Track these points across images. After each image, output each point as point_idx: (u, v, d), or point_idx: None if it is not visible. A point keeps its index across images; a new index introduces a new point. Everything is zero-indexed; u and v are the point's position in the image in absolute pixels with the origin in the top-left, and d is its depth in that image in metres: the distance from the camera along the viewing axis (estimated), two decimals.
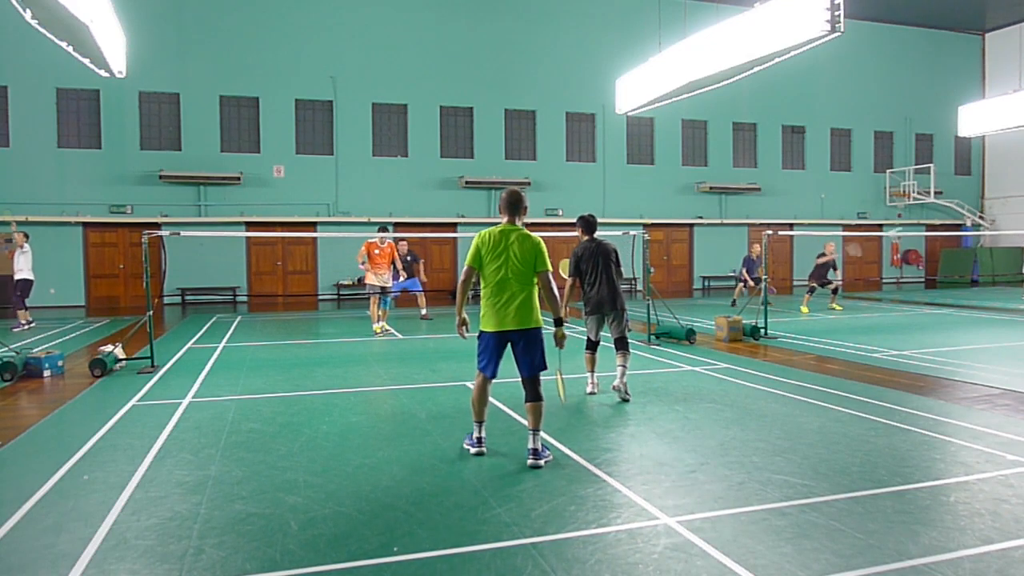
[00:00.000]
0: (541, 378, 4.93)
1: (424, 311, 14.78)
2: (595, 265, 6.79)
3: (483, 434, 5.08)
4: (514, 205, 5.00)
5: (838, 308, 15.98)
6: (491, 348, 4.89)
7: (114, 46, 9.42)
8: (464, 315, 4.96)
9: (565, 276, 7.02)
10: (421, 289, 14.56)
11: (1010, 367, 8.33)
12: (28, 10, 7.47)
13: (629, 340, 7.04)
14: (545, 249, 4.92)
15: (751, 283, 16.11)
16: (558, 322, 4.93)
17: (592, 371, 7.06)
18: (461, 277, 4.96)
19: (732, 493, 4.20)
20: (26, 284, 13.42)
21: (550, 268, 4.93)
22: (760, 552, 3.39)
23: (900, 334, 11.54)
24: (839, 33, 7.93)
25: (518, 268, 4.81)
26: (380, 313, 12.43)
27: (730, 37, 9.34)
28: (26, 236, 13.78)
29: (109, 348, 8.79)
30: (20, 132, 18.52)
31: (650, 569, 3.23)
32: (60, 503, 4.15)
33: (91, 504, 4.13)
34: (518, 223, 5.01)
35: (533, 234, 4.95)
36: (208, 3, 19.79)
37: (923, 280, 26.88)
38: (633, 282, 22.86)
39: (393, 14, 21.11)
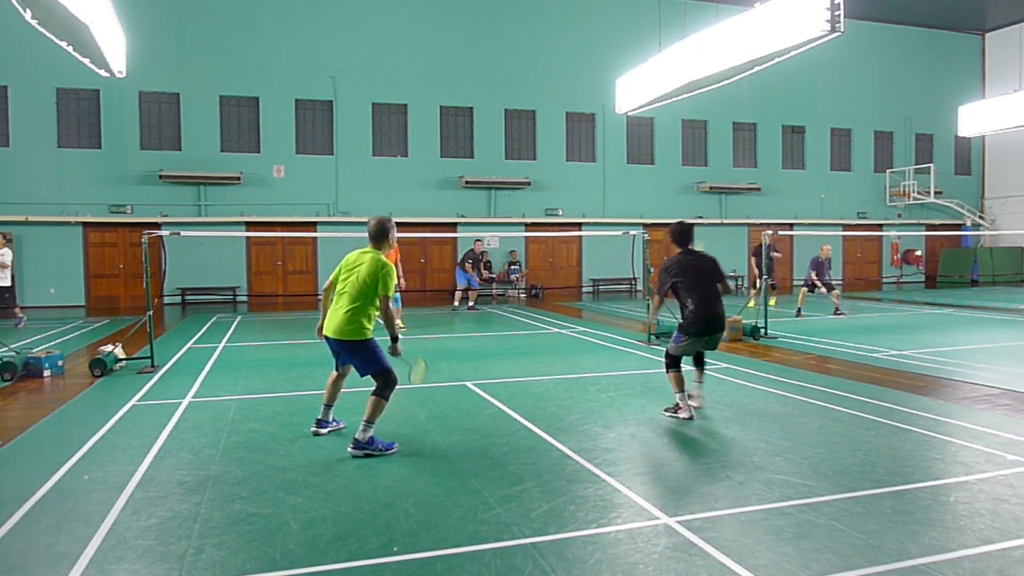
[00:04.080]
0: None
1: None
2: (697, 282, 6.01)
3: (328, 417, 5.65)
4: (379, 235, 5.38)
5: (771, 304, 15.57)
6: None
7: (114, 46, 9.42)
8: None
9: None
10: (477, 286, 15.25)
11: (1010, 367, 8.32)
12: (28, 10, 7.47)
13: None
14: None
15: (821, 287, 14.44)
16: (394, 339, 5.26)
17: (682, 390, 6.08)
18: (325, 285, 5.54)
19: (732, 493, 4.20)
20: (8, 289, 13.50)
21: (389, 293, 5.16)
22: (760, 552, 3.39)
23: (900, 334, 11.54)
24: (839, 33, 7.92)
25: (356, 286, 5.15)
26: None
27: (730, 37, 9.33)
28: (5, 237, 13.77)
29: (109, 348, 8.79)
30: (20, 132, 18.51)
31: (650, 569, 3.23)
32: (60, 503, 4.15)
33: (91, 504, 4.13)
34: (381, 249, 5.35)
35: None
36: (208, 3, 19.79)
37: (923, 280, 26.88)
38: (633, 282, 22.87)
39: (393, 14, 21.11)
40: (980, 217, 27.23)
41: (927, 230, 26.32)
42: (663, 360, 6.39)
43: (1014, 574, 3.16)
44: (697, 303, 5.98)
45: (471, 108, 21.89)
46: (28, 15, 7.57)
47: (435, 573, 3.23)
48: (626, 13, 22.63)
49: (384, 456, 5.02)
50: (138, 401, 6.95)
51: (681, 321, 6.15)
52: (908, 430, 5.55)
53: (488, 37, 21.92)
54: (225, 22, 19.88)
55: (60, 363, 8.63)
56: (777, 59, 9.16)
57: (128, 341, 9.75)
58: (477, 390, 7.28)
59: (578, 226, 22.56)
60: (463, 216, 21.43)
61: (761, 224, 23.16)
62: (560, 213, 22.47)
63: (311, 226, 20.35)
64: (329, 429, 5.65)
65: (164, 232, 14.42)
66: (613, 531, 3.68)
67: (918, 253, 14.78)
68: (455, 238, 20.63)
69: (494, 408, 6.46)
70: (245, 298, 20.01)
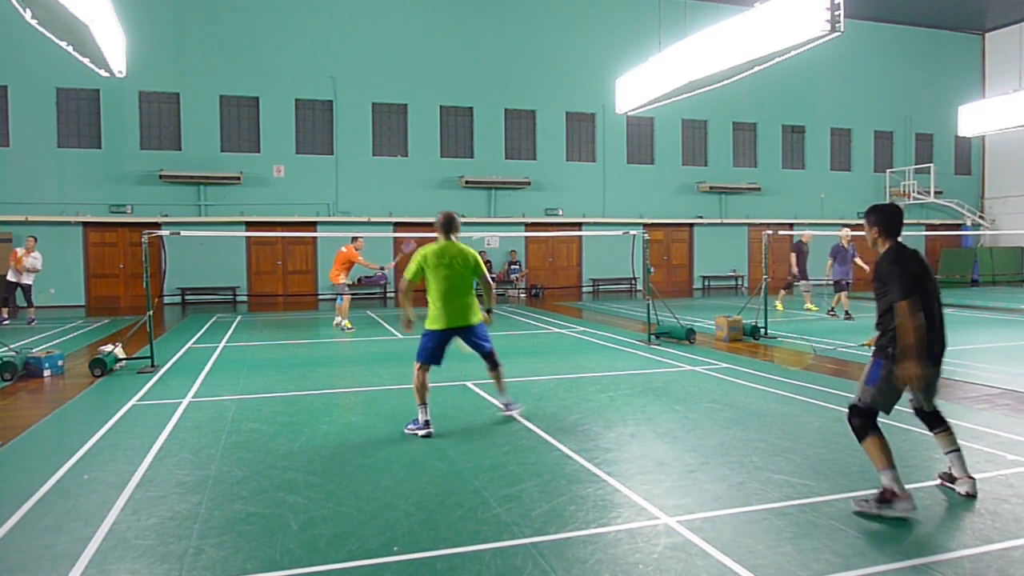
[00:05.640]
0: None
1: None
2: (927, 291, 4.17)
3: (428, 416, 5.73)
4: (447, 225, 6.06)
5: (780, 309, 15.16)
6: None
7: (114, 46, 9.42)
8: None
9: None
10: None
11: (1010, 367, 8.32)
12: (28, 10, 7.47)
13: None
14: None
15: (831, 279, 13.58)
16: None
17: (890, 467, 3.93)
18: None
19: (732, 493, 4.20)
20: (29, 287, 14.20)
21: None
22: (760, 552, 3.39)
23: None
24: (839, 33, 7.93)
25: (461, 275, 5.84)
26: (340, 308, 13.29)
27: (730, 37, 9.34)
28: (34, 239, 14.55)
29: (109, 348, 8.79)
30: (20, 132, 18.52)
31: (650, 569, 3.23)
32: (60, 503, 4.15)
33: (91, 504, 4.13)
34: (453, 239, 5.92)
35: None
36: (208, 3, 19.79)
37: None
38: (633, 282, 22.87)
39: (393, 14, 21.11)
40: (980, 217, 27.23)
41: (927, 230, 26.32)
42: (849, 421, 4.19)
43: (1014, 574, 3.15)
44: (929, 320, 4.21)
45: (471, 108, 21.89)
46: (28, 15, 7.57)
47: (435, 573, 3.23)
48: (626, 13, 22.63)
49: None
50: (138, 401, 6.95)
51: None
52: (908, 430, 5.55)
53: (488, 37, 21.92)
54: (225, 22, 19.89)
55: (60, 363, 8.63)
56: (777, 59, 9.17)
57: (128, 341, 9.75)
58: (477, 390, 7.28)
59: (578, 226, 22.56)
60: (463, 216, 21.34)
61: (761, 224, 23.16)
62: (560, 213, 22.47)
63: (311, 226, 20.35)
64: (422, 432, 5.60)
65: (164, 232, 14.43)
66: (613, 531, 3.68)
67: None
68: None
69: (494, 408, 6.46)
70: (245, 298, 20.01)
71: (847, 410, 4.16)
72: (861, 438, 4.06)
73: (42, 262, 14.15)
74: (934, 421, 4.35)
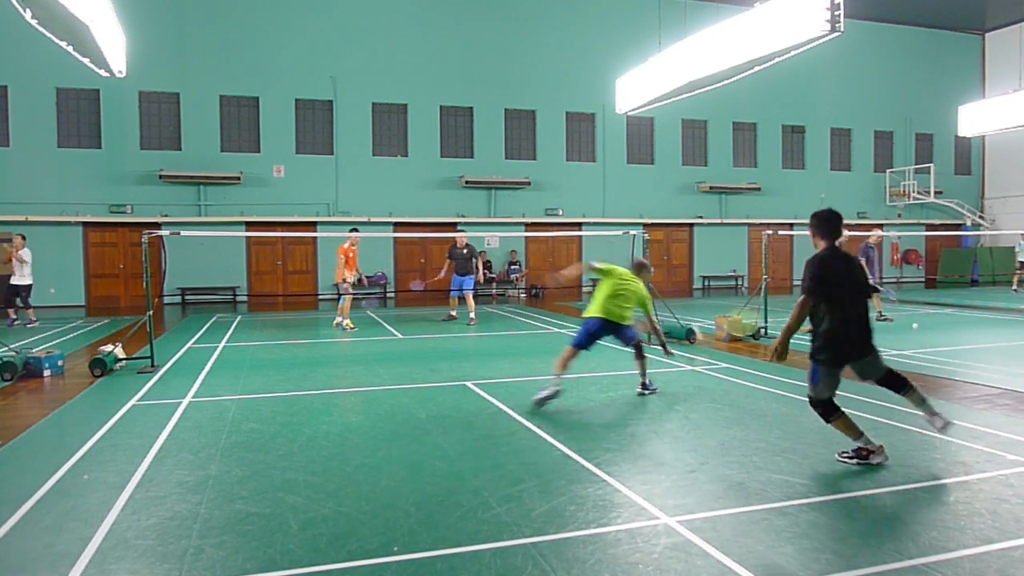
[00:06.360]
0: None
1: (472, 315, 13.79)
2: (842, 296, 4.59)
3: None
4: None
5: None
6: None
7: (114, 46, 9.42)
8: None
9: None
10: (472, 287, 14.06)
11: (1010, 367, 8.32)
12: (28, 10, 7.46)
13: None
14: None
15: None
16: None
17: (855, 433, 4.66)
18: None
19: (732, 493, 4.20)
20: (28, 288, 14.21)
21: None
22: (760, 552, 3.39)
23: (900, 334, 11.54)
24: (839, 33, 7.92)
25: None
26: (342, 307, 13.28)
27: (730, 37, 9.33)
28: (23, 237, 14.44)
29: (109, 348, 8.79)
30: (20, 132, 18.52)
31: (650, 569, 3.23)
32: (60, 503, 4.15)
33: (91, 504, 4.13)
34: None
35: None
36: (208, 3, 19.79)
37: (923, 280, 26.87)
38: None
39: (393, 14, 21.11)
40: (980, 217, 27.23)
41: (927, 230, 26.32)
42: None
43: (1014, 574, 3.15)
44: (839, 318, 4.62)
45: (471, 108, 21.89)
46: (28, 15, 7.56)
47: (435, 573, 3.23)
48: (626, 13, 22.63)
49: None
50: (138, 401, 6.95)
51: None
52: (908, 430, 5.55)
53: (488, 37, 21.92)
54: (225, 22, 19.89)
55: (60, 363, 8.63)
56: (777, 59, 9.16)
57: (128, 341, 9.75)
58: (477, 390, 7.29)
59: (578, 226, 22.56)
60: (463, 216, 21.43)
61: (761, 224, 23.16)
62: (560, 213, 22.47)
63: (311, 226, 20.36)
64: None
65: (164, 232, 14.42)
66: (613, 531, 3.68)
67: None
68: (455, 238, 20.59)
69: (494, 408, 6.47)
70: (245, 298, 20.01)
71: (809, 404, 4.82)
72: (828, 421, 4.74)
73: (30, 256, 14.09)
74: (893, 385, 4.86)
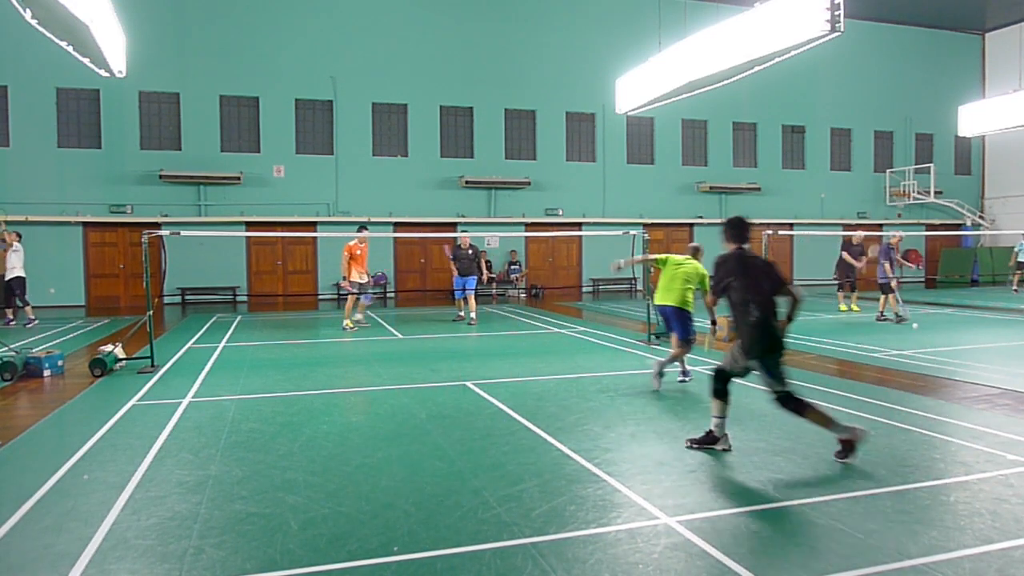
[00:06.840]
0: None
1: (473, 315, 13.71)
2: (740, 292, 4.91)
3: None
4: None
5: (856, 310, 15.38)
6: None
7: (114, 46, 9.41)
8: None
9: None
10: (475, 288, 14.02)
11: (1010, 367, 8.32)
12: (28, 10, 7.46)
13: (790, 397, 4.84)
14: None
15: (893, 279, 13.22)
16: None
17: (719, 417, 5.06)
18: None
19: (732, 493, 4.20)
20: (20, 281, 14.08)
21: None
22: (760, 552, 3.39)
23: (900, 334, 11.54)
24: (839, 33, 7.92)
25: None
26: (360, 306, 13.16)
27: (730, 37, 9.33)
28: (18, 235, 14.29)
29: (109, 348, 8.78)
30: (20, 132, 18.51)
31: (650, 569, 3.23)
32: (60, 503, 4.15)
33: (91, 504, 4.13)
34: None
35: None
36: (208, 3, 19.79)
37: (923, 280, 26.87)
38: (633, 282, 22.87)
39: (393, 14, 21.11)
40: (980, 217, 27.23)
41: (927, 230, 26.31)
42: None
43: (1014, 574, 3.16)
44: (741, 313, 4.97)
45: (471, 108, 21.89)
46: (28, 15, 7.56)
47: (435, 573, 3.23)
48: (626, 13, 22.63)
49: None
50: (138, 401, 6.95)
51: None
52: (908, 430, 5.55)
53: (488, 37, 21.92)
54: (225, 22, 19.89)
55: (60, 363, 8.63)
56: (777, 59, 9.16)
57: (128, 341, 9.75)
58: (477, 390, 7.29)
59: (578, 226, 22.56)
60: (463, 216, 21.43)
61: (761, 224, 23.13)
62: (560, 213, 22.47)
63: (311, 226, 20.35)
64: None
65: (164, 232, 14.43)
66: (613, 531, 3.68)
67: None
68: (455, 238, 20.60)
69: (494, 408, 6.47)
70: (245, 298, 20.00)
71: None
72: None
73: (22, 252, 14.11)
74: (790, 407, 4.85)
